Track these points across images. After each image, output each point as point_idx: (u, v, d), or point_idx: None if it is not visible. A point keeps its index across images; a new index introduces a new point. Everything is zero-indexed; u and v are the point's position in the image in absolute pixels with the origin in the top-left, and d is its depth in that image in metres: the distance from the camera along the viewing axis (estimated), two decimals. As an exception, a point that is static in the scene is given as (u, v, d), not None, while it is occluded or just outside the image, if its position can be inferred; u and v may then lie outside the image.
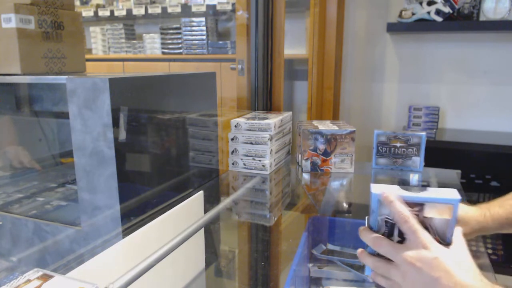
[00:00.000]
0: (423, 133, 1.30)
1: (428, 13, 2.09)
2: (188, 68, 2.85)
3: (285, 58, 1.75)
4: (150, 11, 3.06)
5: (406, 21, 2.14)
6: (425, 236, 0.54)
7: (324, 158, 1.34)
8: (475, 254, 0.83)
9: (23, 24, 0.99)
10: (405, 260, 0.54)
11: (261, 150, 1.32)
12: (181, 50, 2.97)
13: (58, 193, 1.15)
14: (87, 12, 3.28)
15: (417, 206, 0.56)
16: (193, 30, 2.91)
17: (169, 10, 2.99)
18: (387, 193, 0.56)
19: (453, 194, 0.55)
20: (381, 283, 0.59)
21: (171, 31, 3.00)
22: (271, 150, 1.33)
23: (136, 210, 0.92)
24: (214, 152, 1.25)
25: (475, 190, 2.15)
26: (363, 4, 2.42)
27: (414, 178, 1.30)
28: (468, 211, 0.66)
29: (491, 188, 2.12)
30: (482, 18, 2.06)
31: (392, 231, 0.58)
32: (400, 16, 2.16)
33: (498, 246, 2.07)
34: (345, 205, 1.16)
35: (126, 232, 0.86)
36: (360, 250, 0.61)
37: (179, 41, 2.97)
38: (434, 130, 2.28)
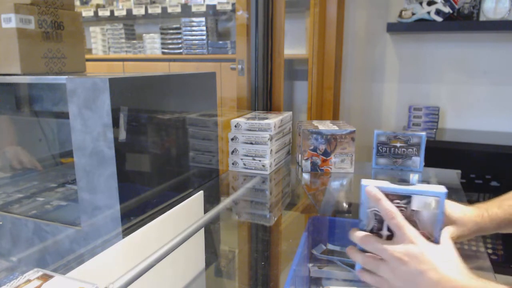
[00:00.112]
0: (423, 133, 1.30)
1: (428, 13, 2.09)
2: (188, 68, 2.85)
3: (285, 58, 1.75)
4: (150, 11, 3.06)
5: (406, 21, 2.14)
6: (412, 232, 0.56)
7: (324, 158, 1.34)
8: (475, 254, 0.83)
9: (23, 24, 0.99)
10: (393, 255, 0.56)
11: (261, 150, 1.32)
12: (181, 50, 2.97)
13: (58, 193, 1.15)
14: (87, 12, 3.28)
15: (405, 198, 0.58)
16: (193, 30, 2.91)
17: (169, 10, 2.99)
18: (374, 191, 0.59)
19: (440, 188, 0.58)
20: (367, 279, 0.60)
21: (171, 31, 3.00)
22: (271, 150, 1.33)
23: (136, 210, 0.92)
24: (214, 152, 1.25)
25: (475, 190, 2.15)
26: (363, 4, 2.42)
27: (414, 178, 1.30)
28: (466, 213, 0.66)
29: (491, 188, 2.12)
30: (482, 18, 2.06)
31: (381, 224, 0.60)
32: (400, 16, 2.16)
33: (498, 246, 2.07)
34: (345, 205, 1.16)
35: (126, 232, 0.86)
36: (349, 246, 0.63)
37: (179, 41, 2.97)
38: (434, 130, 2.28)
